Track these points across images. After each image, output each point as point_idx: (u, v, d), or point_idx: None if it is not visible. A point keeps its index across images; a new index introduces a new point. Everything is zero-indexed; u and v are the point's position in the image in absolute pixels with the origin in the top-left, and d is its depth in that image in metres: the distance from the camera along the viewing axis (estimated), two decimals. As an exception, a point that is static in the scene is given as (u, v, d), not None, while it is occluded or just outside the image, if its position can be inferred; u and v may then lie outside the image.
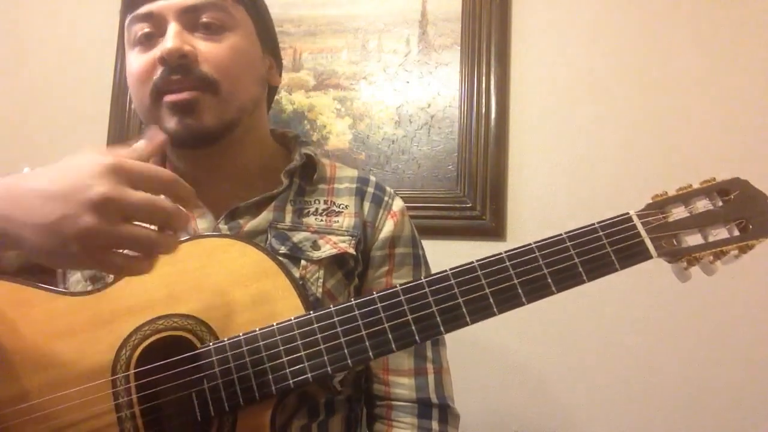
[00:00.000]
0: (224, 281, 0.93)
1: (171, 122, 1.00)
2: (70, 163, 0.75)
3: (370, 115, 1.95)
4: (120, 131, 2.03)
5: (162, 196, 0.77)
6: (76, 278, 1.04)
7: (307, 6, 2.04)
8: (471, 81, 1.88)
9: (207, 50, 1.01)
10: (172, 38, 0.99)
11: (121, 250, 0.74)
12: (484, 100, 1.86)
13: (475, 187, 1.83)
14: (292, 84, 2.00)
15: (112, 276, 0.97)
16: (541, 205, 1.81)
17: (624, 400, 1.70)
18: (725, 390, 1.64)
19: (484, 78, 1.87)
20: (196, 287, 0.93)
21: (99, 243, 0.72)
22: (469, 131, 1.86)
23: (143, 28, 1.03)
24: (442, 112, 1.90)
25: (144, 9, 1.02)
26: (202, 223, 1.06)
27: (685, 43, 1.78)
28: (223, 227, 1.05)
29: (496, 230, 1.80)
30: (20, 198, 0.74)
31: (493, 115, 1.85)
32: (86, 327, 0.91)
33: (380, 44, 1.98)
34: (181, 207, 0.77)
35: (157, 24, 1.02)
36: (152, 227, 0.75)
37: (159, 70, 1.00)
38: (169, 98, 0.99)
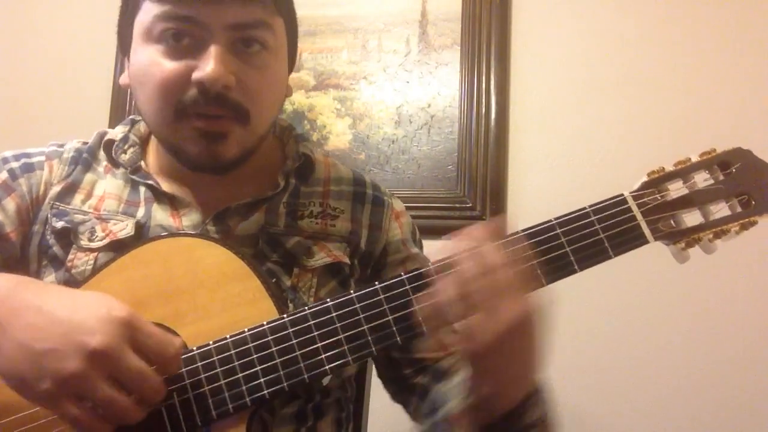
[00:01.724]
0: (191, 284, 0.84)
1: (195, 147, 0.91)
2: (86, 298, 0.73)
3: (370, 115, 1.89)
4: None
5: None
6: (50, 280, 0.94)
7: (307, 6, 1.96)
8: (471, 81, 1.83)
9: (246, 78, 0.90)
10: (217, 64, 0.86)
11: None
12: (484, 100, 1.80)
13: (475, 187, 1.78)
14: (292, 84, 1.90)
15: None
16: (541, 204, 1.76)
17: (624, 399, 1.64)
18: (726, 385, 1.59)
19: (484, 78, 1.82)
20: (162, 292, 0.84)
21: (72, 391, 0.68)
22: (469, 131, 1.80)
23: (175, 29, 0.88)
24: (442, 112, 1.85)
25: (187, 12, 0.87)
26: (187, 221, 0.97)
27: (684, 42, 1.73)
28: (211, 228, 0.95)
29: None
30: (21, 309, 0.71)
31: (493, 115, 1.79)
32: None
33: (380, 44, 1.92)
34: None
35: (197, 31, 0.88)
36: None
37: (193, 91, 0.88)
38: (201, 126, 0.89)
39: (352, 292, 0.80)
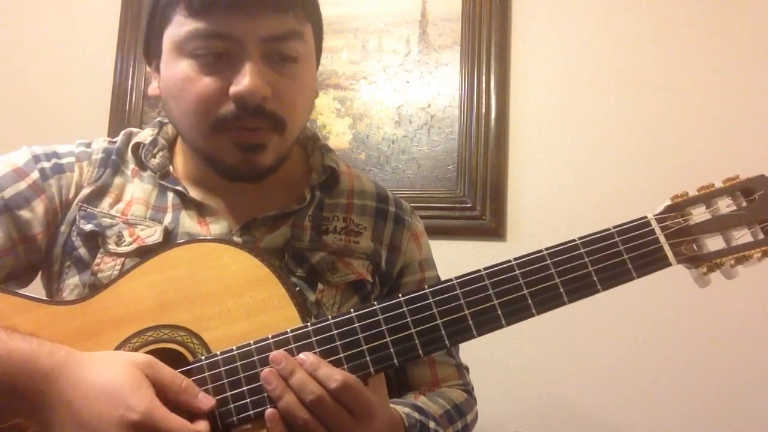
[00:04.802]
0: (216, 289, 0.85)
1: (232, 158, 0.91)
2: (106, 396, 0.72)
3: (370, 115, 1.88)
4: (120, 131, 1.93)
5: None
6: (74, 282, 0.95)
7: (307, 6, 1.94)
8: (471, 81, 1.82)
9: (281, 89, 0.89)
10: (253, 78, 0.86)
11: None
12: (484, 100, 1.80)
13: (475, 187, 1.77)
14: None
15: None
16: (541, 205, 1.76)
17: (624, 400, 1.64)
18: (727, 392, 1.59)
19: (484, 78, 1.81)
20: (187, 296, 0.85)
21: None
22: (469, 131, 1.80)
23: (213, 46, 0.87)
24: (442, 112, 1.84)
25: (221, 28, 0.86)
26: (214, 229, 0.97)
27: (684, 41, 1.73)
28: (237, 239, 0.96)
29: (496, 230, 1.75)
30: (55, 404, 0.73)
31: (493, 115, 1.79)
32: (72, 338, 0.82)
33: (380, 44, 1.91)
34: None
35: (232, 47, 0.87)
36: None
37: (230, 105, 0.87)
38: (240, 139, 0.89)
39: (375, 303, 0.80)
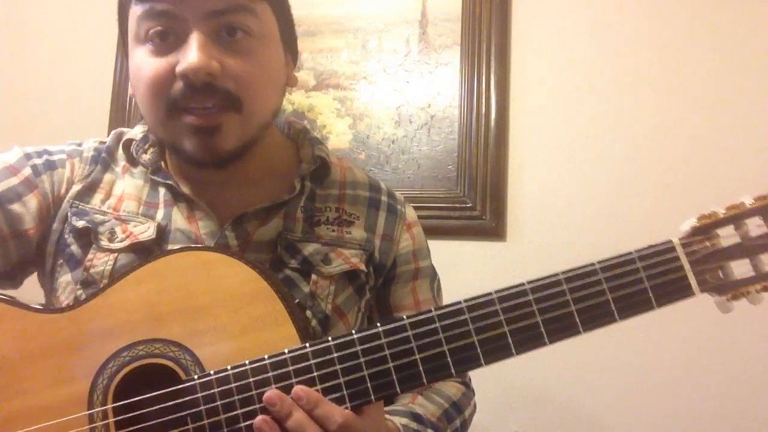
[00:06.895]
0: (211, 303, 0.77)
1: (190, 143, 0.86)
2: None
3: (370, 115, 1.82)
4: (120, 132, 1.90)
5: None
6: (66, 280, 0.90)
7: (307, 6, 1.88)
8: (471, 81, 1.75)
9: (232, 65, 0.84)
10: (197, 52, 0.81)
11: None
12: (484, 100, 1.73)
13: (475, 187, 1.72)
14: (292, 84, 1.84)
15: (105, 281, 0.86)
16: (541, 205, 1.70)
17: (624, 400, 1.59)
18: (729, 391, 1.54)
19: (484, 78, 1.74)
20: (181, 309, 0.78)
21: None
22: (469, 131, 1.74)
23: (156, 26, 0.84)
24: (442, 112, 1.77)
25: (161, 6, 0.83)
26: (204, 226, 0.91)
27: (684, 41, 1.67)
28: (230, 234, 0.91)
29: (496, 230, 1.70)
30: None
31: (493, 115, 1.73)
32: (60, 350, 0.76)
33: (380, 44, 1.84)
34: None
35: (175, 25, 0.83)
36: None
37: (179, 84, 0.83)
38: (192, 121, 0.84)
39: (378, 325, 0.73)
